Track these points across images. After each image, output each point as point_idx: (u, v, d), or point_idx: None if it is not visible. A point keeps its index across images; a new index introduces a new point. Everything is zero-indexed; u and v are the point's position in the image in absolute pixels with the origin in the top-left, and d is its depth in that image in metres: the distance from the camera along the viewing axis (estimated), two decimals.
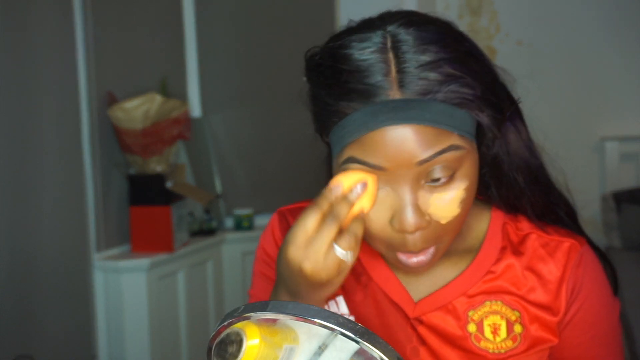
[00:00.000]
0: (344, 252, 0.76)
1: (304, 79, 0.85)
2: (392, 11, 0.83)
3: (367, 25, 0.81)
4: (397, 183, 0.78)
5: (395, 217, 0.79)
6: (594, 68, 3.94)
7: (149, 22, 3.05)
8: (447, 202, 0.79)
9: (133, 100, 2.64)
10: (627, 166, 3.97)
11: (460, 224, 0.82)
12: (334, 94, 0.78)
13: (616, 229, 3.79)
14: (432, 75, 0.75)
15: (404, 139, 0.75)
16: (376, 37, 0.78)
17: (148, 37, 3.02)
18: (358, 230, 0.77)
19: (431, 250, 0.82)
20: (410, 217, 0.78)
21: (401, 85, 0.75)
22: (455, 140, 0.77)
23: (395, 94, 0.75)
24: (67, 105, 2.49)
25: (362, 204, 0.78)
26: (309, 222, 0.76)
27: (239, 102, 3.55)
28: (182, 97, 3.22)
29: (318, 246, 0.75)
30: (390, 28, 0.78)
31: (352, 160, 0.78)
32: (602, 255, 0.95)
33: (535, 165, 0.91)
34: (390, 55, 0.76)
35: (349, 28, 0.82)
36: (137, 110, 2.63)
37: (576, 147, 3.83)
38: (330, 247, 0.76)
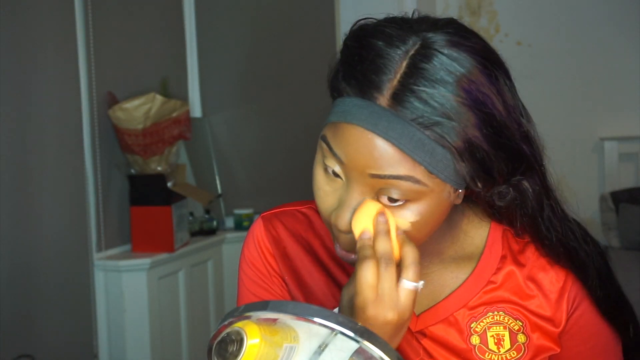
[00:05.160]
0: (414, 283, 0.75)
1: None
2: (435, 18, 0.79)
3: (405, 26, 0.77)
4: (352, 181, 0.77)
5: (336, 210, 0.79)
6: (593, 68, 3.94)
7: (150, 22, 3.05)
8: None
9: (133, 101, 2.64)
10: (626, 166, 3.97)
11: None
12: (343, 71, 0.78)
13: (615, 228, 3.79)
14: (430, 105, 0.72)
15: (364, 145, 0.74)
16: (404, 44, 0.75)
17: (148, 37, 3.02)
18: (412, 254, 0.76)
19: None
20: (346, 218, 0.77)
21: (394, 96, 0.73)
22: (418, 173, 0.74)
23: (383, 100, 0.74)
24: (68, 106, 2.49)
25: (394, 226, 0.77)
26: (368, 275, 0.75)
27: (239, 102, 3.55)
28: (183, 97, 3.22)
29: (389, 292, 0.74)
30: (422, 41, 0.75)
31: (324, 139, 0.78)
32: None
33: (550, 213, 0.86)
34: (404, 64, 0.74)
35: (389, 18, 0.80)
36: (138, 110, 2.63)
37: (575, 147, 3.83)
38: (398, 287, 0.75)
